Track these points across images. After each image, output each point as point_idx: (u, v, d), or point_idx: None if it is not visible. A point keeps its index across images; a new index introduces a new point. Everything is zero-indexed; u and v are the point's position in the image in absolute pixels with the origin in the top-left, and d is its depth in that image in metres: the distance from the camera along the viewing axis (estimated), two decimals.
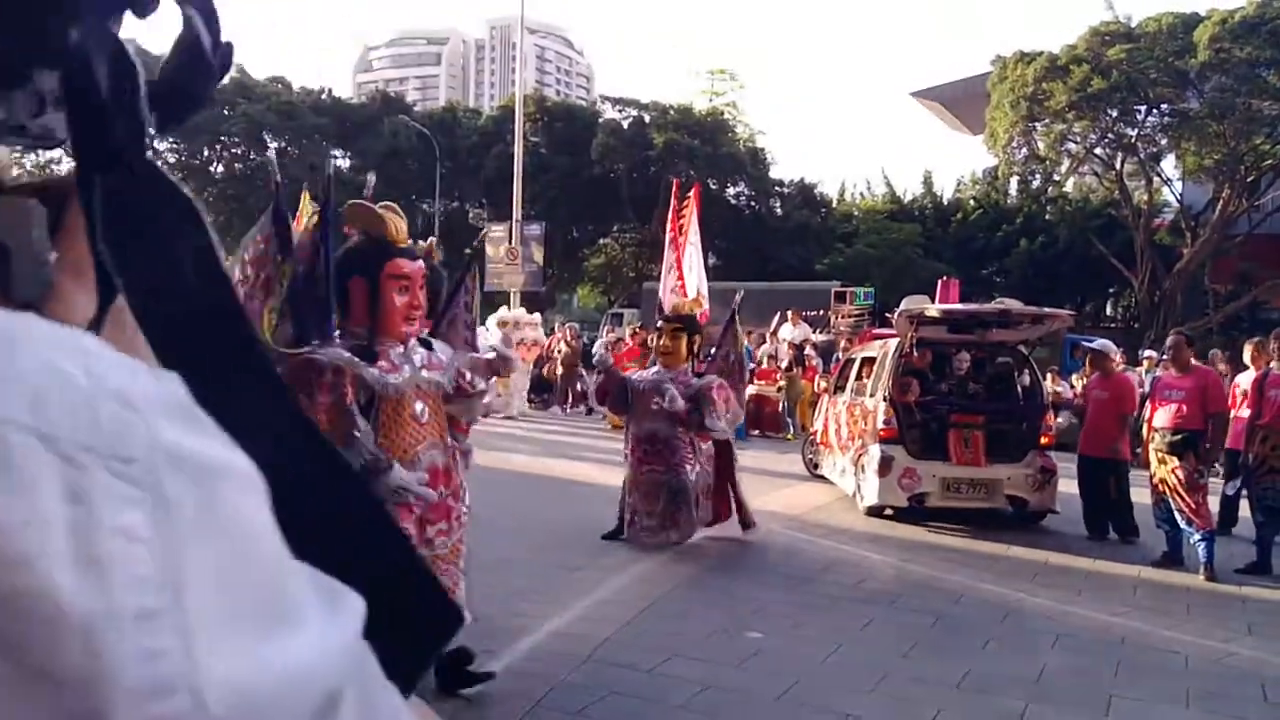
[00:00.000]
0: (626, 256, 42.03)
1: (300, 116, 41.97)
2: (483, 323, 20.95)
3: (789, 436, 15.71)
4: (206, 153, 44.56)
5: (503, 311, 18.05)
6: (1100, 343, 9.32)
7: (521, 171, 26.86)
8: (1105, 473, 8.68)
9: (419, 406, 3.94)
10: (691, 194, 14.38)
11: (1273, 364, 7.62)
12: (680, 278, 9.96)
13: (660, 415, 7.39)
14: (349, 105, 46.43)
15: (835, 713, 4.32)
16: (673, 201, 10.00)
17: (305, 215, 13.39)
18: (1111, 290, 38.35)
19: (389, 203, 4.17)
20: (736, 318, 8.28)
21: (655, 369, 7.81)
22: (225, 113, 42.13)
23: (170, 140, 44.50)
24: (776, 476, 11.85)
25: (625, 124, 38.69)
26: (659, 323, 8.08)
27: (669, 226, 10.31)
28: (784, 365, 16.84)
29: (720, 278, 32.17)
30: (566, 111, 40.33)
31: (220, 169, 45.11)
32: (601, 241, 43.89)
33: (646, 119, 37.99)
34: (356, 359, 3.79)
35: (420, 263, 4.07)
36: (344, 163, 43.99)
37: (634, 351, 17.20)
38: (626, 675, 4.71)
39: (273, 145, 42.91)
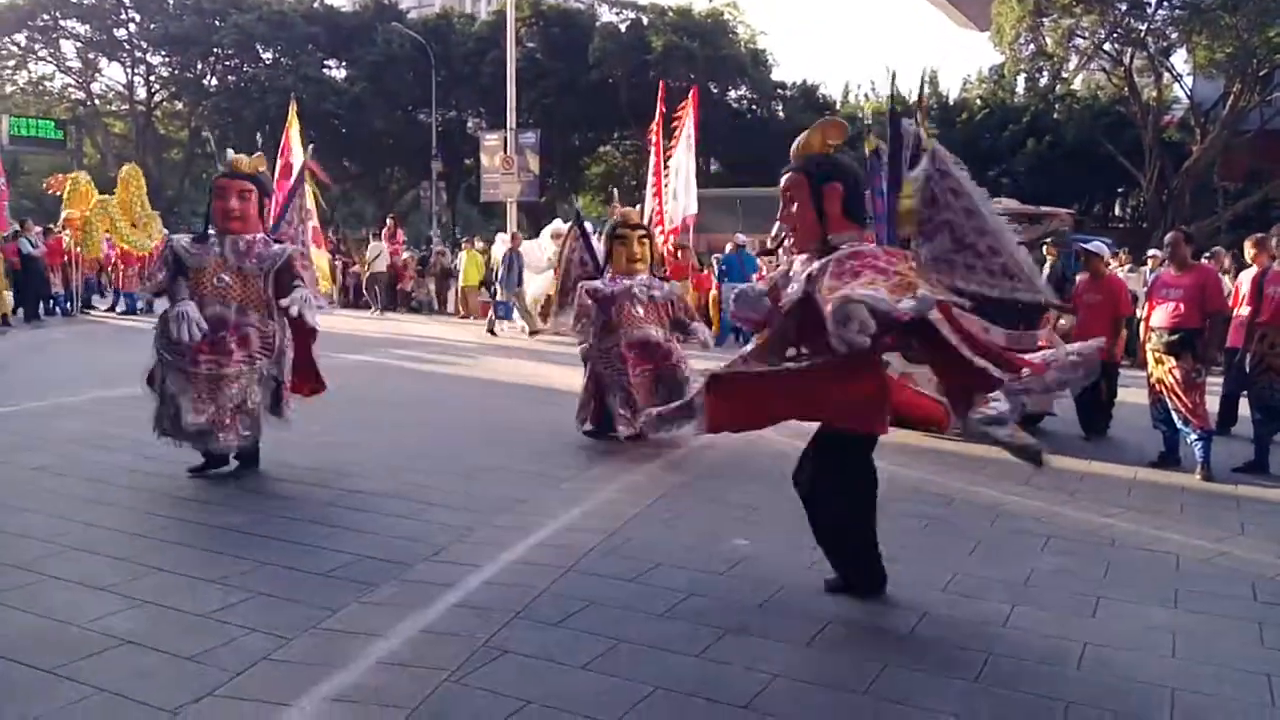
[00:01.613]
0: (627, 164, 41.46)
1: (292, 26, 41.12)
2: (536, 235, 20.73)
3: None
4: (200, 66, 43.77)
5: (556, 224, 17.89)
6: (1095, 244, 9.11)
7: (516, 78, 26.31)
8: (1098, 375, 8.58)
9: None
10: (689, 98, 14.07)
11: (1275, 262, 7.42)
12: (658, 187, 9.82)
13: (648, 320, 7.91)
14: (341, 13, 45.44)
15: (816, 618, 4.27)
16: (659, 106, 9.75)
17: (293, 126, 13.15)
18: (1120, 190, 37.77)
19: None
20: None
21: (627, 279, 8.05)
22: (216, 24, 41.32)
23: (162, 54, 43.75)
24: None
25: (623, 27, 37.80)
26: (618, 230, 8.20)
27: (654, 132, 10.07)
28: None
29: (722, 184, 31.85)
30: (563, 15, 39.36)
31: (214, 82, 44.35)
32: (601, 149, 43.28)
33: (645, 21, 37.10)
34: None
35: None
36: (338, 73, 43.26)
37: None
38: (609, 585, 4.67)
39: (266, 55, 42.21)
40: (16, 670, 3.60)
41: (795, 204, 4.34)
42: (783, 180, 4.43)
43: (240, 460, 6.61)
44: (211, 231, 6.44)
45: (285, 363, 6.55)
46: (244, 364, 6.29)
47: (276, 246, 6.50)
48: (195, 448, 6.39)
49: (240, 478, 6.48)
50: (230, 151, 6.71)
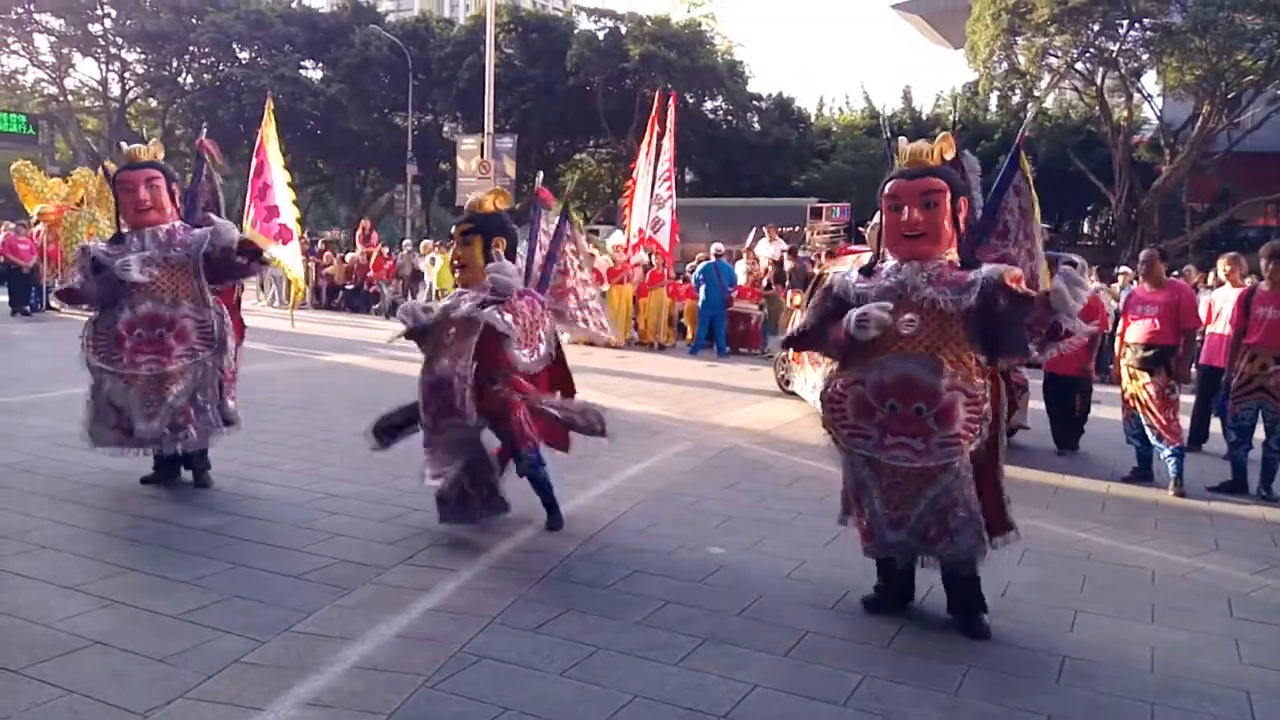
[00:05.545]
0: (603, 172, 41.51)
1: (270, 26, 40.84)
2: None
3: (769, 353, 15.69)
4: (175, 64, 43.36)
5: (617, 235, 17.93)
6: (1067, 258, 9.21)
7: (493, 83, 26.25)
8: (1072, 389, 8.63)
9: None
10: (670, 104, 14.20)
11: (1262, 283, 7.46)
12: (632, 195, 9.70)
13: (453, 350, 5.30)
14: (319, 14, 45.20)
15: (795, 629, 4.25)
16: (653, 116, 9.75)
17: (269, 125, 13.00)
18: (1089, 208, 38.28)
19: None
20: (570, 215, 6.34)
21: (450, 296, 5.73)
22: (193, 22, 40.98)
23: (138, 50, 43.27)
24: (747, 393, 11.79)
25: (601, 35, 37.81)
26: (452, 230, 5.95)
27: (648, 140, 10.08)
28: (765, 285, 16.97)
29: (696, 194, 31.90)
30: (541, 22, 39.36)
31: (189, 80, 43.95)
32: (577, 156, 43.25)
33: (623, 30, 37.12)
34: None
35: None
36: (315, 74, 43.02)
37: (613, 271, 16.94)
38: (586, 591, 4.63)
39: (243, 54, 41.92)
40: None
41: (938, 209, 4.29)
42: (912, 182, 4.33)
43: (189, 466, 6.27)
44: (126, 229, 6.10)
45: (226, 354, 6.17)
46: (186, 358, 5.95)
47: (198, 230, 6.13)
48: (151, 453, 6.11)
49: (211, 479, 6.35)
50: (124, 144, 6.48)
